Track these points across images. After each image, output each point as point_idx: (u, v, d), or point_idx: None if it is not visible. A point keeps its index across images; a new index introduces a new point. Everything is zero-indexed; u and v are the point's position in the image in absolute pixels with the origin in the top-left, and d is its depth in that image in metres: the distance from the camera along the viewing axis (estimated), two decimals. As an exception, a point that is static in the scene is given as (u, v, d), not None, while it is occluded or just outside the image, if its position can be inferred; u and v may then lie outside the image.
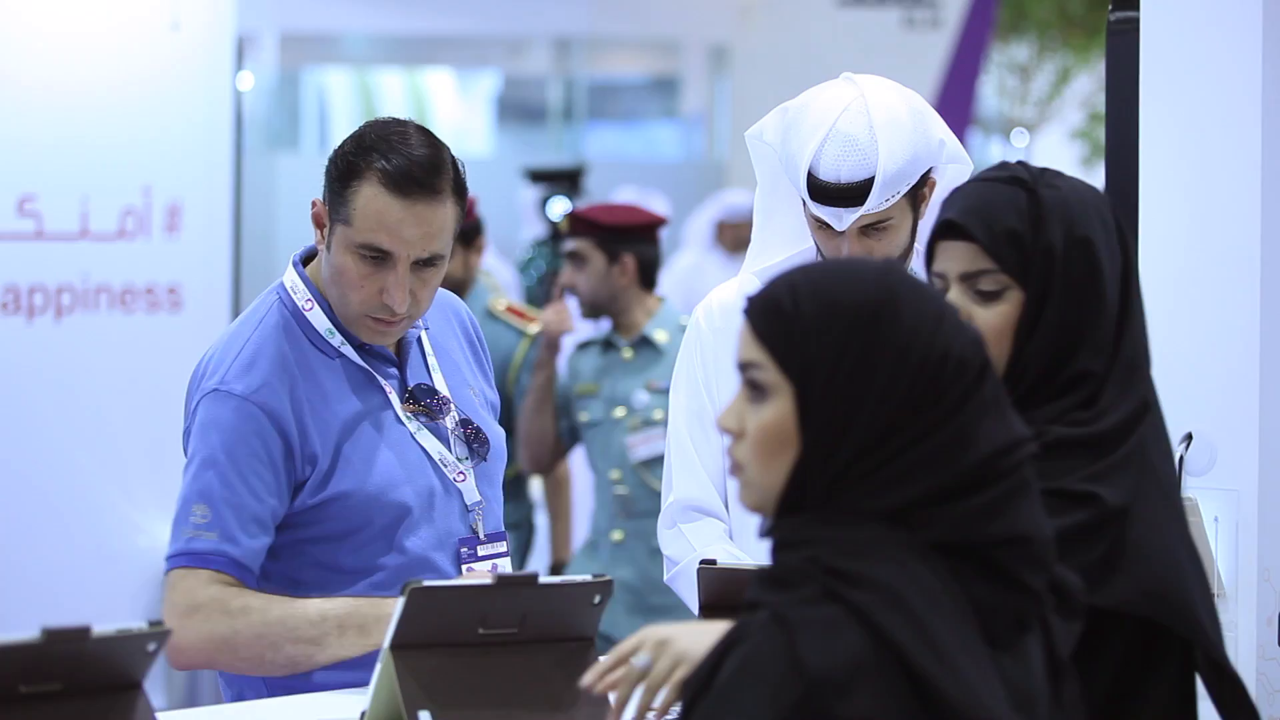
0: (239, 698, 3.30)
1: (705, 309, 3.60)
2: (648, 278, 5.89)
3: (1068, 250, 2.59)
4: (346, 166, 3.24)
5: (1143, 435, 2.61)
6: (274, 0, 14.46)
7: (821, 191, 3.36)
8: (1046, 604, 2.18)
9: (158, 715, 2.60)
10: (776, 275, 2.16)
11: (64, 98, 5.91)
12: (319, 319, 3.30)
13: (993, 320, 2.61)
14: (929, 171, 3.44)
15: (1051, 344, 2.59)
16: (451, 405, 3.37)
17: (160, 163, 6.03)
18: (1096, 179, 2.96)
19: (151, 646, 2.44)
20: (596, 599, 2.78)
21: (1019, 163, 2.70)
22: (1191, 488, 3.44)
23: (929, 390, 2.08)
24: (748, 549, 3.47)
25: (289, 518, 3.25)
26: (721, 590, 2.95)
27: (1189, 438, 3.45)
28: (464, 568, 3.33)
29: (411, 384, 3.35)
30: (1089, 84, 17.31)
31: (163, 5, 6.05)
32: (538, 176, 11.76)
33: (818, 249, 3.50)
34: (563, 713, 2.72)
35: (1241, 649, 3.38)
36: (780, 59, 13.26)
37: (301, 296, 3.32)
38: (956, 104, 12.33)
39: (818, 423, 2.09)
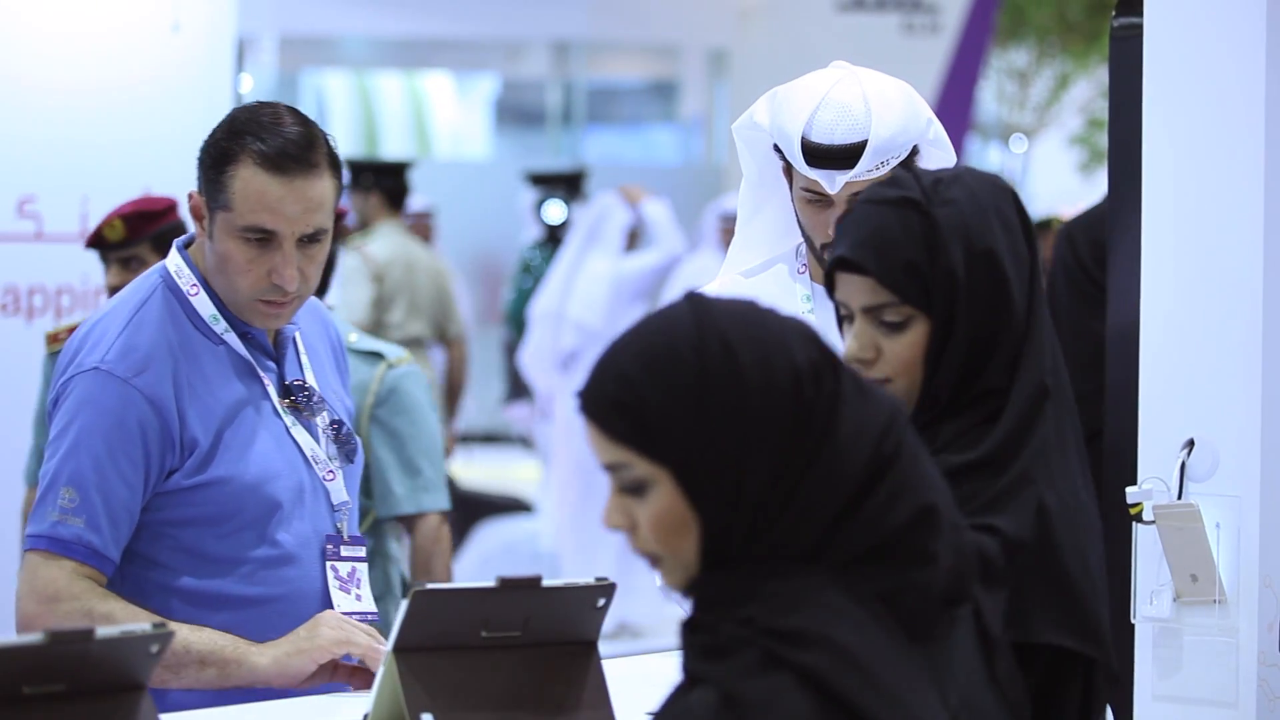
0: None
1: None
2: None
3: (970, 268, 2.54)
4: (220, 153, 3.25)
5: (1043, 439, 2.57)
6: (274, 3, 14.46)
7: (814, 153, 3.40)
8: (968, 571, 2.09)
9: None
10: (595, 366, 2.04)
11: (64, 99, 5.91)
12: (204, 305, 3.31)
13: (901, 351, 2.56)
14: (915, 153, 3.47)
15: (961, 365, 2.56)
16: (325, 404, 3.40)
17: (160, 164, 6.02)
18: (1096, 185, 2.95)
19: (155, 648, 2.44)
20: (600, 602, 2.78)
21: (912, 174, 2.62)
22: (1193, 494, 3.44)
23: (798, 413, 1.99)
24: None
25: (158, 499, 3.25)
26: None
27: (1190, 444, 3.45)
28: (328, 564, 3.33)
29: (288, 379, 3.37)
30: (1088, 90, 17.33)
31: (163, 7, 6.05)
32: (538, 180, 11.77)
33: (804, 235, 3.52)
34: (565, 716, 2.72)
35: (1243, 656, 3.38)
36: (779, 63, 13.24)
37: (186, 281, 3.32)
38: (955, 109, 12.33)
39: (707, 494, 1.99)
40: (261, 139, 3.22)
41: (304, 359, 3.43)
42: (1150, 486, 3.34)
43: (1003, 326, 2.57)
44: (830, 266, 2.62)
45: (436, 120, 17.81)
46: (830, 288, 2.63)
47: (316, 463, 3.35)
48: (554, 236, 11.24)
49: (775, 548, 1.99)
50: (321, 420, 3.39)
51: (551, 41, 16.42)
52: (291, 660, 3.20)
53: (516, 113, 17.80)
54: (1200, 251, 3.50)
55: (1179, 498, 3.31)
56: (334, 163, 3.28)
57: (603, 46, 16.82)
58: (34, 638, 2.32)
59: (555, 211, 11.44)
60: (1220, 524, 3.42)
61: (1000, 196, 2.60)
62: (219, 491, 3.25)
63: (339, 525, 3.37)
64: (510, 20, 15.61)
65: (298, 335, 3.44)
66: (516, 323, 10.83)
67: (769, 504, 1.99)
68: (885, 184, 2.62)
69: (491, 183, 15.04)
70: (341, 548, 3.36)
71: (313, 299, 3.50)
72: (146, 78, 6.01)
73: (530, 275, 11.05)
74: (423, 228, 11.83)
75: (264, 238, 3.23)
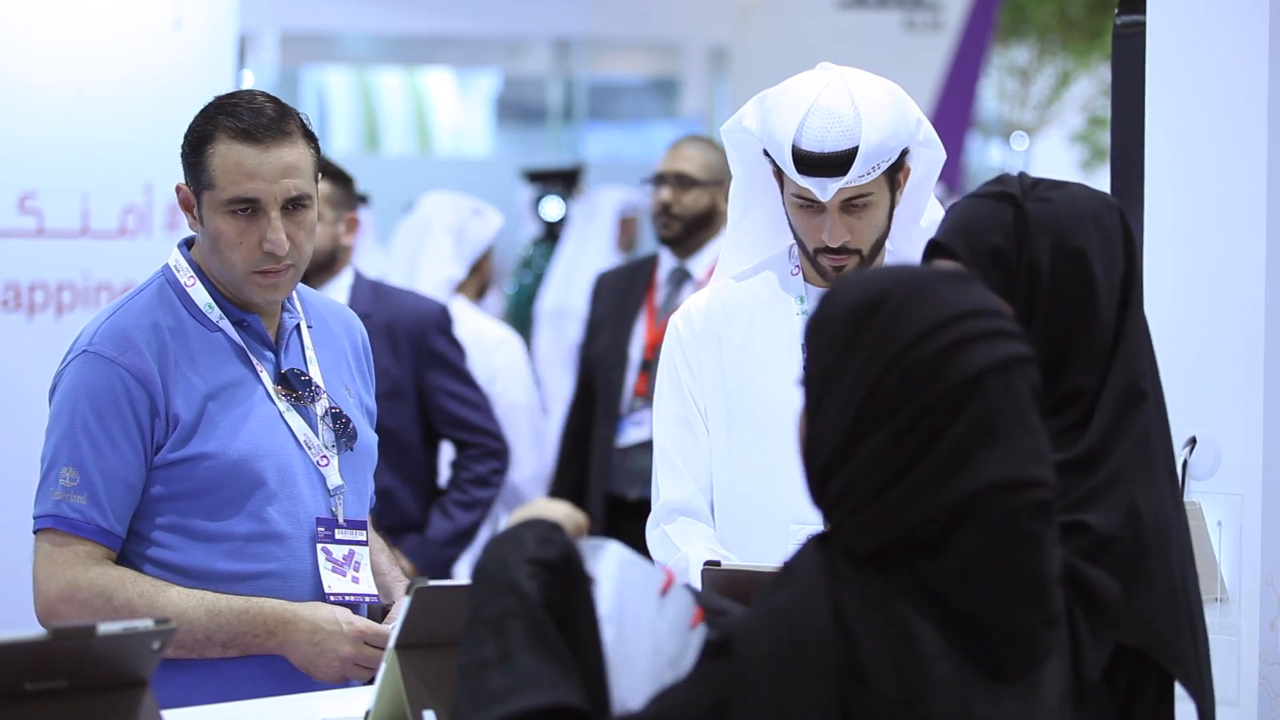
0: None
1: (684, 315, 3.62)
2: None
3: (1056, 264, 2.58)
4: (198, 136, 3.40)
5: (1136, 441, 2.57)
6: (274, -1, 14.46)
7: (805, 161, 3.40)
8: (1078, 625, 2.16)
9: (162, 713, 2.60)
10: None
11: (65, 95, 5.90)
12: (200, 294, 3.42)
13: None
14: (906, 154, 3.47)
15: (1040, 360, 2.57)
16: (323, 393, 3.46)
17: (162, 161, 5.97)
18: (1097, 183, 2.95)
19: (156, 644, 2.44)
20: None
21: (1019, 175, 2.68)
22: (1195, 492, 3.44)
23: (899, 395, 2.05)
24: (736, 551, 3.48)
25: (148, 475, 3.33)
26: (726, 591, 2.95)
27: (1193, 441, 3.45)
28: (319, 548, 3.39)
29: (285, 368, 3.44)
30: (1089, 87, 17.32)
31: (164, 4, 6.05)
32: (534, 177, 11.76)
33: (796, 238, 3.51)
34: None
35: (1244, 653, 3.38)
36: (780, 61, 13.24)
37: (184, 273, 3.44)
38: (956, 107, 12.32)
39: (808, 418, 2.12)
40: (233, 116, 3.38)
41: (309, 352, 3.49)
42: (1152, 484, 3.33)
43: (1086, 327, 2.58)
44: (925, 252, 2.67)
45: (437, 117, 17.80)
46: None
47: (310, 447, 3.41)
48: (552, 233, 11.23)
49: (847, 532, 2.08)
50: (319, 408, 3.44)
51: (552, 39, 16.41)
52: (302, 664, 3.33)
53: (517, 110, 17.79)
54: (1202, 249, 3.50)
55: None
56: (308, 135, 3.42)
57: (604, 44, 16.80)
58: (36, 633, 2.32)
59: (553, 208, 11.43)
60: (1222, 522, 3.42)
61: (1104, 209, 2.64)
62: (203, 466, 3.33)
63: (334, 509, 3.42)
64: (511, 17, 15.60)
65: (303, 326, 3.50)
66: (516, 318, 10.83)
67: (839, 467, 2.07)
68: (990, 181, 2.68)
69: (492, 179, 15.02)
70: (336, 531, 3.42)
71: (346, 310, 3.63)
72: (148, 75, 6.01)
73: (530, 271, 11.05)
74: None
75: (249, 208, 3.35)
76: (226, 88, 6.13)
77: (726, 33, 14.95)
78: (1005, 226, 2.59)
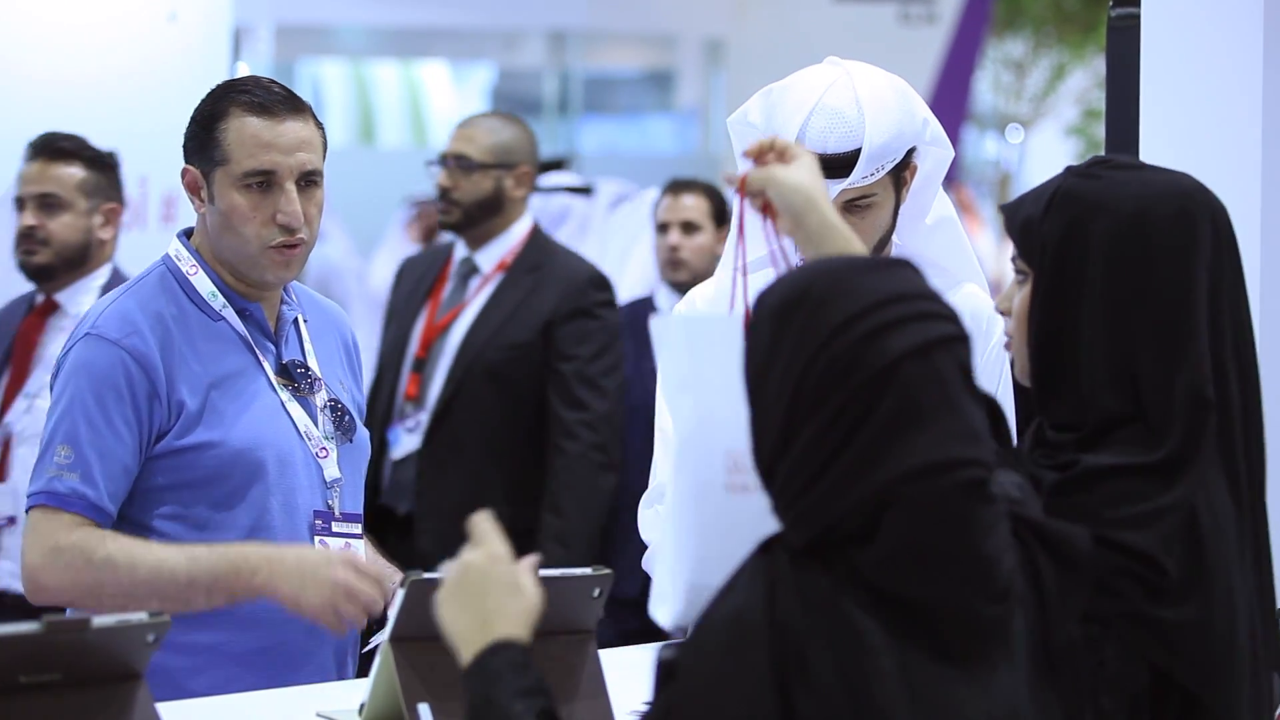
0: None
1: (688, 305, 3.62)
2: None
3: (1062, 241, 2.51)
4: (209, 115, 3.38)
5: (1205, 455, 2.47)
6: (270, -9, 14.46)
7: None
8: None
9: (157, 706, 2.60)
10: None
11: (61, 88, 5.91)
12: (203, 282, 3.40)
13: (1018, 307, 2.57)
14: (912, 153, 3.45)
15: (1043, 338, 2.53)
16: (323, 384, 3.46)
17: (157, 153, 6.01)
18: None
19: (151, 637, 2.44)
20: (596, 592, 2.78)
21: (1126, 156, 2.62)
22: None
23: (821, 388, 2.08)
24: None
25: (150, 464, 3.32)
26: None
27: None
28: (316, 540, 3.38)
29: (286, 359, 3.44)
30: (1084, 80, 17.31)
31: (160, -4, 6.06)
32: (521, 169, 11.74)
33: None
34: (563, 706, 2.72)
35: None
36: (776, 53, 13.25)
37: (186, 262, 3.42)
38: (952, 99, 12.33)
39: (750, 418, 2.15)
40: (245, 93, 3.38)
41: (307, 345, 3.48)
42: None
43: (1073, 312, 2.50)
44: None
45: (433, 109, 17.79)
46: None
47: (310, 438, 3.41)
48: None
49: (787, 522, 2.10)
50: (320, 399, 3.44)
51: (548, 31, 16.40)
52: (291, 595, 3.21)
53: (513, 102, 17.77)
54: (1197, 242, 3.50)
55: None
56: (315, 117, 3.42)
57: (599, 36, 16.80)
58: (30, 627, 2.32)
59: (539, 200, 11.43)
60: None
61: (1164, 203, 2.50)
62: (208, 455, 3.32)
63: (330, 502, 3.41)
64: (506, 9, 15.60)
65: (301, 321, 3.50)
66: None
67: (772, 457, 2.11)
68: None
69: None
70: (333, 524, 3.40)
71: (335, 306, 3.62)
72: (143, 67, 6.01)
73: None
74: (429, 214, 11.81)
75: (264, 181, 3.34)
76: (221, 80, 6.14)
77: (722, 25, 14.96)
78: (1042, 199, 2.54)
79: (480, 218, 5.47)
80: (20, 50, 5.90)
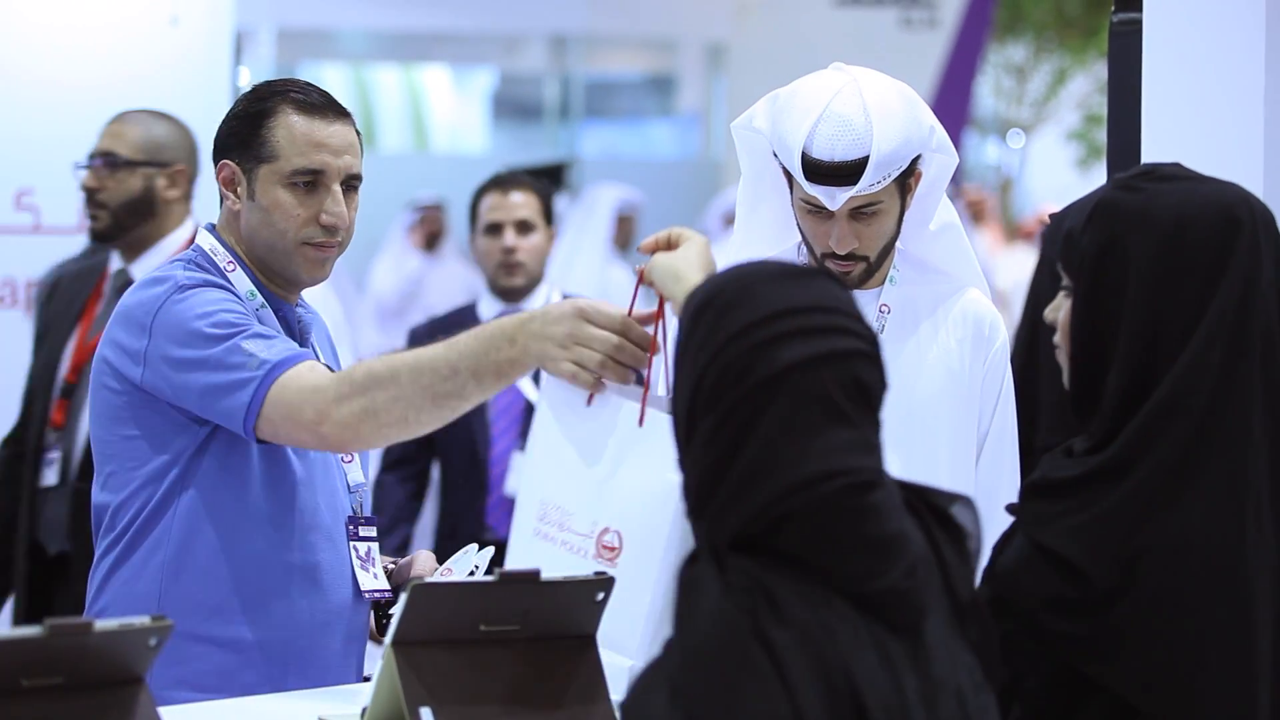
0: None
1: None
2: None
3: (1100, 254, 2.50)
4: (256, 113, 3.35)
5: (1162, 461, 2.45)
6: (271, -5, 14.47)
7: (815, 170, 3.37)
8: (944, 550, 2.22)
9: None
10: None
11: (62, 92, 5.91)
12: (241, 280, 3.36)
13: (1062, 317, 2.57)
14: (918, 160, 3.45)
15: (1081, 351, 2.53)
16: None
17: (158, 157, 6.02)
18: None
19: (153, 641, 2.44)
20: (599, 596, 2.78)
21: (1171, 165, 2.59)
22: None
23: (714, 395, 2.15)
24: None
25: (222, 435, 3.24)
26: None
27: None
28: (350, 545, 3.36)
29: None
30: (1085, 85, 17.34)
31: (162, 0, 6.06)
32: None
33: (804, 239, 3.50)
34: (563, 710, 2.72)
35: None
36: (777, 58, 13.25)
37: (223, 258, 3.38)
38: (953, 104, 12.33)
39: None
40: (294, 92, 3.36)
41: (317, 349, 3.47)
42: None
43: (1112, 328, 2.49)
44: None
45: (434, 114, 17.80)
46: None
47: None
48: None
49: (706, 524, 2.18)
50: None
51: (549, 35, 16.40)
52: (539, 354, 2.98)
53: (514, 106, 17.78)
54: (1199, 247, 3.50)
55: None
56: (355, 124, 3.41)
57: (600, 40, 16.80)
58: (32, 630, 2.32)
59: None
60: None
61: (1204, 216, 2.49)
62: (259, 448, 3.26)
63: (355, 506, 3.41)
64: (508, 14, 15.60)
65: (311, 326, 3.48)
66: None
67: (689, 460, 2.21)
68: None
69: (488, 176, 15.01)
70: (360, 528, 3.40)
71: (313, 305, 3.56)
72: (145, 71, 6.01)
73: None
74: (433, 220, 11.81)
75: (311, 180, 3.33)
76: (223, 84, 6.15)
77: (723, 29, 14.95)
78: (1085, 210, 2.53)
79: (131, 223, 4.93)
80: (22, 54, 5.91)
